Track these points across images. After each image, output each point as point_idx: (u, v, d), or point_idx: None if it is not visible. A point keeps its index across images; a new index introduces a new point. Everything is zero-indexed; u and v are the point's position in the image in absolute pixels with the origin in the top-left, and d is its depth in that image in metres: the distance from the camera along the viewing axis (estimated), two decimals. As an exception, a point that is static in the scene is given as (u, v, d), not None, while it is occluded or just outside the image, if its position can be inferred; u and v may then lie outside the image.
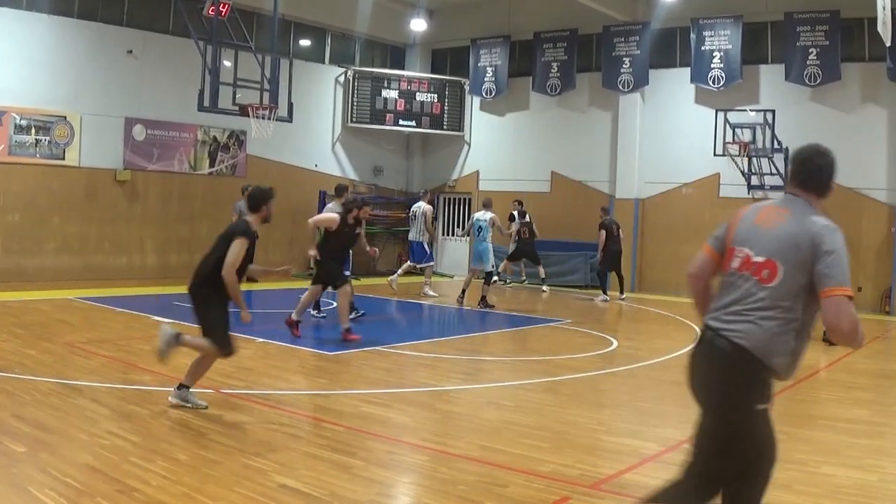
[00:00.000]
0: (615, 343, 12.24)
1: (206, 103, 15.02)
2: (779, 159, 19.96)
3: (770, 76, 20.20)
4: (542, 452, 6.27)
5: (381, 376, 9.22)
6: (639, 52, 21.29)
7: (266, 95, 15.59)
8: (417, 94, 23.77)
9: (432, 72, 24.62)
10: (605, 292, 19.14)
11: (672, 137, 21.11)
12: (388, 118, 23.59)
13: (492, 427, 7.15)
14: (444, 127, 24.08)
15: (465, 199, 24.78)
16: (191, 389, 7.29)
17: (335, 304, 12.07)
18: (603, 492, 5.41)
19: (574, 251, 21.74)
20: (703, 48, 20.53)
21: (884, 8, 15.75)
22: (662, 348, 11.52)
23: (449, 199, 25.30)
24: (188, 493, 5.11)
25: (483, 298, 16.43)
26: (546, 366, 10.22)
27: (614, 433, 7.15)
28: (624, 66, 21.40)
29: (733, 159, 20.23)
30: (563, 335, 13.21)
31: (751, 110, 20.17)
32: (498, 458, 6.10)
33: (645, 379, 9.53)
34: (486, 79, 23.57)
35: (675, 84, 21.05)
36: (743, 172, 20.28)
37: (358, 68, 23.56)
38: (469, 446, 6.45)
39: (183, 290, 7.52)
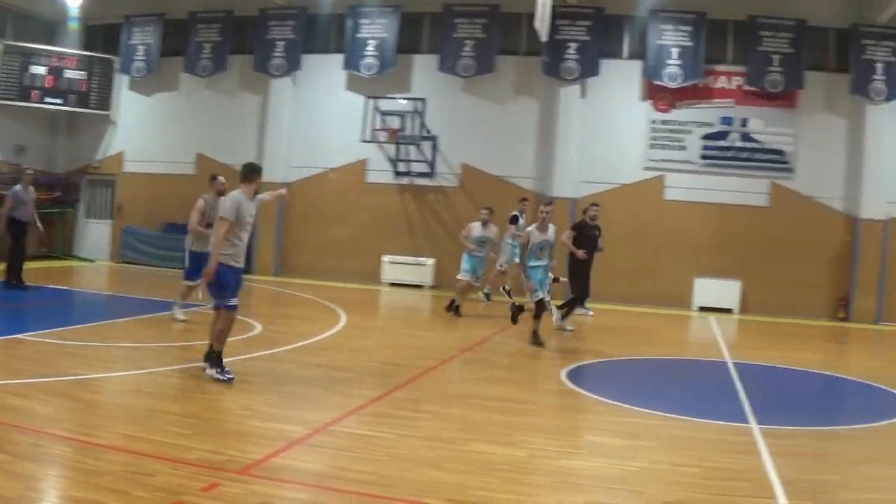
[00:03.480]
0: (259, 327, 11.87)
1: None
2: (427, 147, 19.55)
3: (424, 65, 19.85)
4: (190, 439, 6.10)
5: (23, 366, 8.42)
6: (294, 36, 20.28)
7: None
8: (66, 71, 21.37)
9: (87, 49, 22.30)
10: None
11: (322, 123, 20.19)
12: (34, 95, 21.02)
13: (137, 415, 6.87)
14: (91, 105, 21.72)
15: (109, 181, 22.41)
16: None
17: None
18: (252, 476, 5.34)
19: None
20: (358, 35, 19.87)
21: (543, 4, 15.78)
22: (307, 332, 11.41)
23: (94, 181, 22.78)
24: None
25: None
26: (190, 352, 9.61)
27: (261, 418, 6.99)
28: (277, 49, 20.27)
29: (381, 146, 19.59)
30: (206, 320, 12.16)
31: (401, 98, 19.69)
32: (144, 447, 5.87)
33: (290, 363, 9.58)
34: (136, 57, 21.53)
35: (328, 70, 20.19)
36: (390, 159, 19.64)
37: (9, 42, 20.89)
38: (114, 436, 6.16)
39: None
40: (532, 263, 11.66)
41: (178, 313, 11.98)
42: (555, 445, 6.62)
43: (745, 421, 7.86)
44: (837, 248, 18.83)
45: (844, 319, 18.52)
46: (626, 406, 8.22)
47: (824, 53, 19.33)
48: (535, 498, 5.35)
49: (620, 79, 19.21)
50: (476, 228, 14.69)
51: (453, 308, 14.70)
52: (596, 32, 19.09)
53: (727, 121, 18.99)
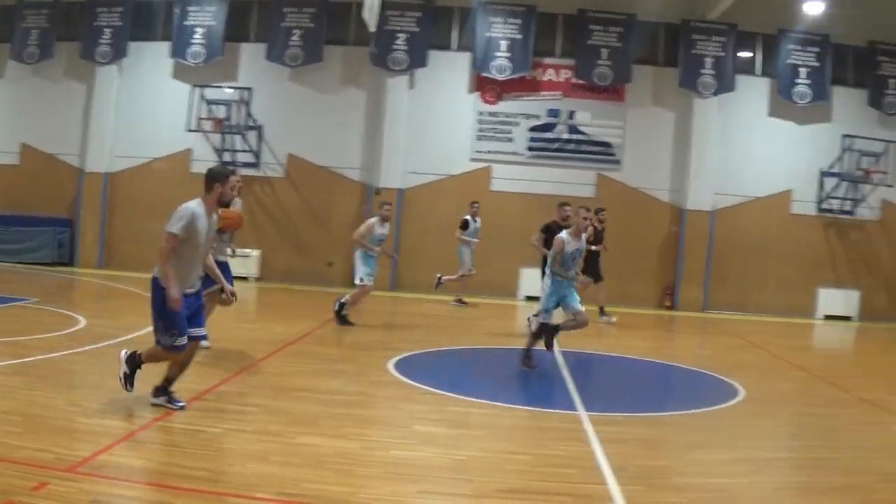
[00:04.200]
0: (83, 321, 11.26)
1: None
2: (252, 136, 19.10)
3: (251, 54, 19.41)
4: (16, 438, 5.78)
5: None
6: (121, 23, 19.61)
7: None
8: None
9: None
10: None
11: (148, 111, 19.51)
12: None
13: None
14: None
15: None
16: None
17: None
18: (80, 474, 5.09)
19: (43, 226, 19.21)
20: (185, 23, 19.34)
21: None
22: (132, 325, 10.68)
23: None
24: None
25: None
26: (13, 347, 9.10)
27: (88, 414, 6.62)
28: (104, 37, 19.59)
29: (206, 135, 19.08)
30: (29, 314, 12.02)
31: (227, 87, 19.24)
32: (-36, 447, 5.45)
33: (115, 358, 8.52)
34: (-40, 45, 20.78)
35: (155, 57, 19.57)
36: (216, 149, 19.13)
37: None
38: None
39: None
40: (569, 275, 9.85)
41: None
42: (386, 436, 6.54)
43: (574, 409, 7.82)
44: (664, 239, 18.81)
45: (671, 308, 18.49)
46: (456, 396, 8.04)
47: (653, 48, 19.41)
48: (367, 489, 5.25)
49: (449, 70, 19.02)
50: (377, 226, 12.61)
51: (342, 317, 12.48)
52: (425, 23, 18.88)
53: (554, 113, 18.89)
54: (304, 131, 19.10)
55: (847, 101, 19.55)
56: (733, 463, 6.45)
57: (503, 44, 18.71)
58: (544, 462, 6.06)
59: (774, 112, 19.36)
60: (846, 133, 19.27)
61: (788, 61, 19.16)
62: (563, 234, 10.02)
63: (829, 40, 19.29)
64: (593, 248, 14.43)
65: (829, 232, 19.15)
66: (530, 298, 17.93)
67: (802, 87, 19.15)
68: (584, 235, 10.17)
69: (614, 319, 15.09)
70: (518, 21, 18.74)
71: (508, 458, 6.11)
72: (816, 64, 19.21)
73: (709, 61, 18.93)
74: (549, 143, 18.83)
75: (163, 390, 6.73)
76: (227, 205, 6.82)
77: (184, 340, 6.51)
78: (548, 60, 19.05)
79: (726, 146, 19.07)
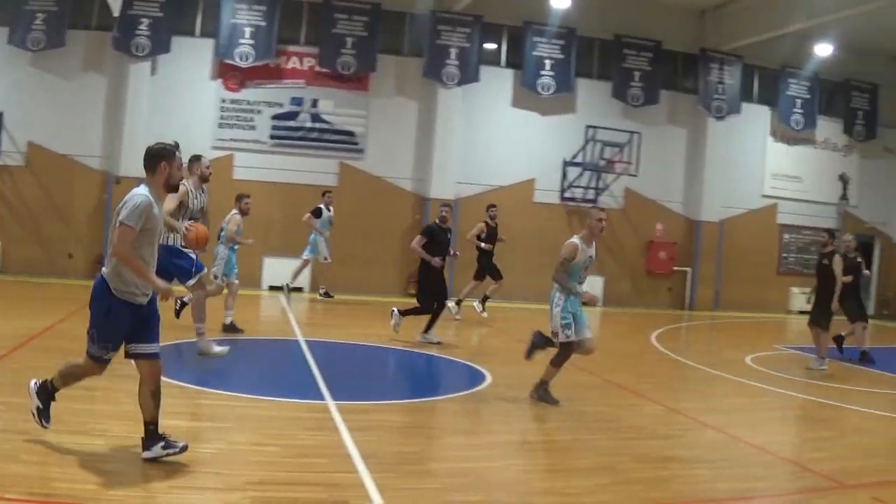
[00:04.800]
0: None
1: None
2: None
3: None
4: None
5: None
6: None
7: None
8: None
9: None
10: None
11: None
12: None
13: None
14: None
15: None
16: None
17: None
18: None
19: None
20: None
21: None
22: None
23: None
24: None
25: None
26: None
27: None
28: None
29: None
30: None
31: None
32: None
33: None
34: None
35: None
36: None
37: None
38: None
39: None
40: (577, 289, 8.25)
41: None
42: (132, 432, 6.09)
43: (322, 398, 7.78)
44: (410, 226, 19.03)
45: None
46: (204, 389, 7.88)
47: (399, 38, 19.63)
48: (116, 487, 5.07)
49: (192, 57, 18.84)
50: (241, 222, 12.19)
51: (183, 312, 11.26)
52: (168, 9, 18.57)
53: (297, 101, 18.96)
54: (46, 119, 18.67)
55: (592, 93, 20.18)
56: (484, 447, 6.64)
57: (247, 31, 18.66)
58: (293, 453, 6.02)
59: (519, 103, 19.84)
60: (590, 124, 19.86)
61: (534, 53, 19.64)
62: (576, 238, 8.29)
63: (575, 33, 19.86)
64: (483, 246, 15.16)
65: (573, 220, 19.70)
66: (273, 288, 18.02)
67: (547, 78, 19.67)
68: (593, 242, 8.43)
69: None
70: (263, 8, 18.69)
71: (257, 450, 6.06)
72: (562, 56, 19.74)
73: (454, 52, 19.25)
74: (293, 132, 18.89)
75: (155, 436, 5.63)
76: (175, 188, 5.95)
77: (111, 356, 5.72)
78: (292, 48, 19.08)
79: (470, 136, 19.48)
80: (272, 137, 18.86)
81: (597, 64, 20.47)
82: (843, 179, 22.72)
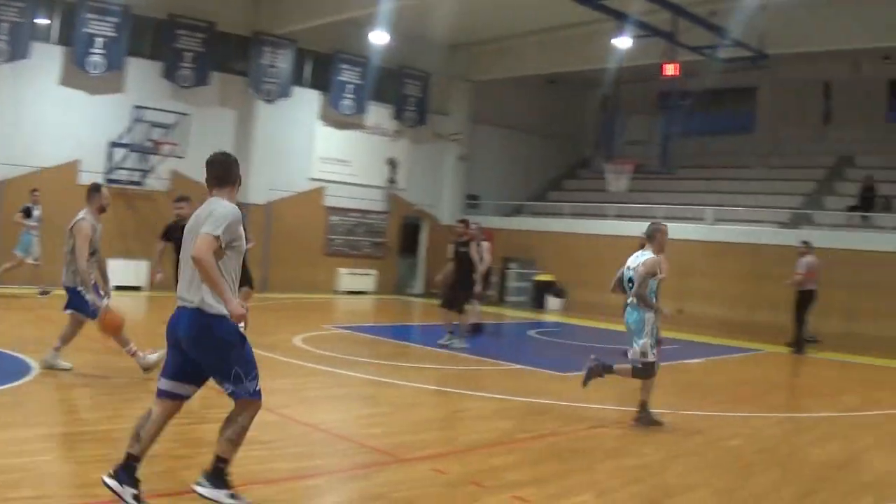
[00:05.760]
0: None
1: None
2: None
3: None
4: None
5: None
6: None
7: None
8: None
9: None
10: None
11: None
12: None
13: None
14: None
15: None
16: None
17: None
18: None
19: None
20: None
21: None
22: None
23: None
24: None
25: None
26: None
27: None
28: None
29: None
30: None
31: None
32: None
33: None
34: None
35: None
36: None
37: None
38: None
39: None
40: (653, 306, 8.23)
41: None
42: None
43: None
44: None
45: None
46: None
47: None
48: None
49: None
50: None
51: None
52: None
53: None
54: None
55: (141, 73, 20.08)
56: (34, 440, 6.30)
57: None
58: None
59: (68, 81, 19.19)
60: (138, 104, 19.77)
61: (85, 30, 18.98)
62: (661, 256, 8.26)
63: (129, 11, 19.46)
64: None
65: (117, 202, 19.56)
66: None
67: (97, 56, 19.16)
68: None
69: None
70: None
71: None
72: (114, 34, 19.33)
73: (5, 27, 17.99)
74: None
75: (221, 479, 4.92)
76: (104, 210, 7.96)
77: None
78: None
79: (18, 115, 18.49)
80: None
81: (150, 43, 20.29)
82: (392, 163, 25.01)
